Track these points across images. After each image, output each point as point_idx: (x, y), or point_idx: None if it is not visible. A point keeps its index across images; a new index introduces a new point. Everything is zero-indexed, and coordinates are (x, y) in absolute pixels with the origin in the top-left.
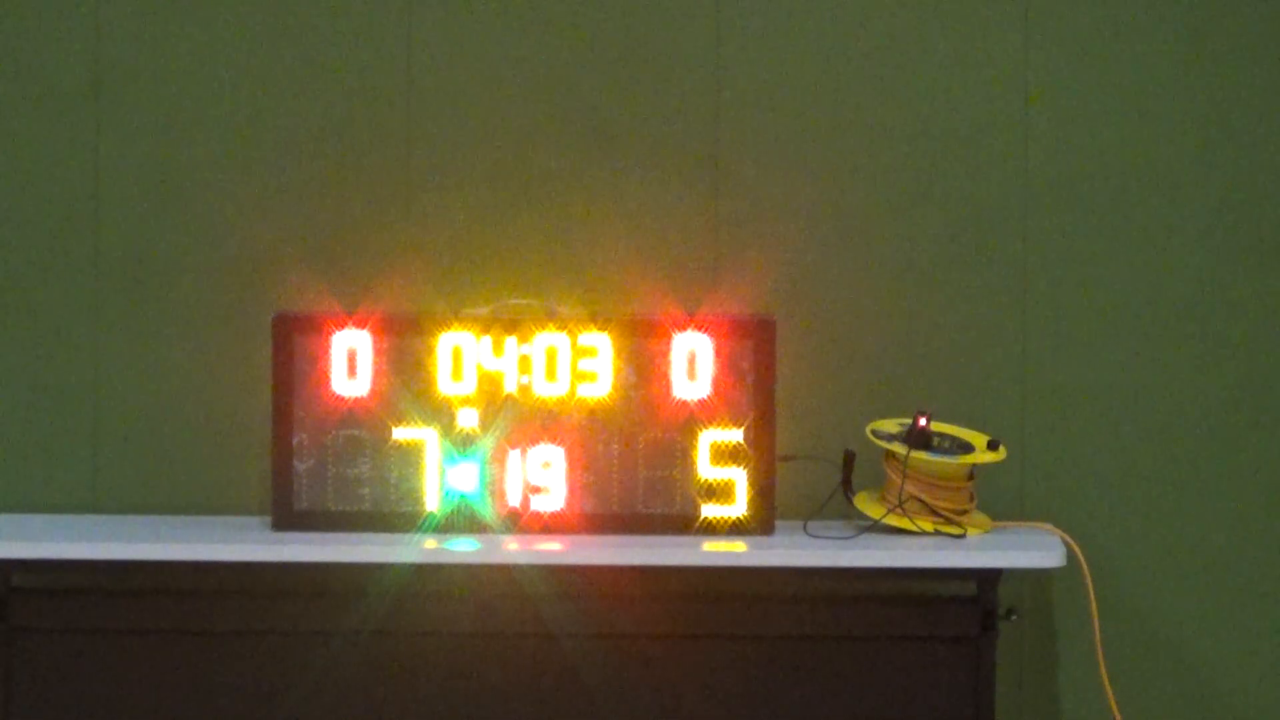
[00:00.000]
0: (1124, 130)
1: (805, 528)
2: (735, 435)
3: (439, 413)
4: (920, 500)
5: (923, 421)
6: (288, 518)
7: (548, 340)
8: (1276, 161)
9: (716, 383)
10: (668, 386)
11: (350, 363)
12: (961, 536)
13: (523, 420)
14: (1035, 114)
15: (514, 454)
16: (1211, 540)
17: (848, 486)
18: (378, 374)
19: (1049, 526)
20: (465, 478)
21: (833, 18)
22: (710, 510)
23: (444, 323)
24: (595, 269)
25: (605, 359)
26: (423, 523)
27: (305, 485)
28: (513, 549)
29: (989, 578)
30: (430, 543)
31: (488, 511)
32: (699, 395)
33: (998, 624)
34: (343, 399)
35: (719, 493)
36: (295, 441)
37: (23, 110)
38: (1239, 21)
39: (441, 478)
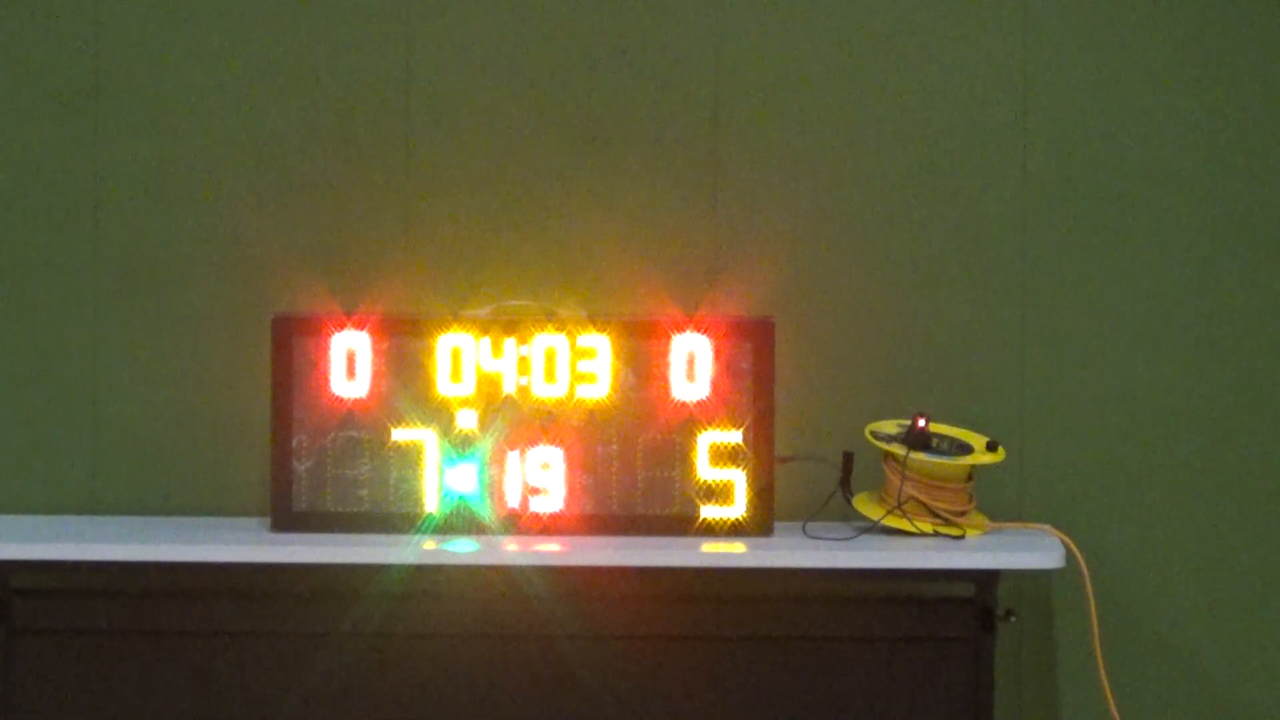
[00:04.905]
0: (1124, 130)
1: (804, 529)
2: (734, 436)
3: (438, 414)
4: (919, 501)
5: (922, 422)
6: (287, 519)
7: (546, 342)
8: (1276, 161)
9: (715, 384)
10: (667, 388)
11: (349, 364)
12: (960, 537)
13: (522, 421)
14: (1035, 114)
15: (513, 455)
16: (1210, 541)
17: (847, 487)
18: (377, 375)
19: (1048, 527)
20: (464, 479)
21: (832, 18)
22: (709, 511)
23: (443, 324)
24: (594, 270)
25: (604, 360)
26: (422, 524)
27: (304, 486)
28: (512, 550)
29: (988, 579)
30: (429, 544)
31: (487, 513)
32: (698, 396)
33: (996, 625)
34: (342, 400)
35: (718, 494)
36: (294, 443)
37: (23, 110)
38: (1239, 22)
39: (440, 479)
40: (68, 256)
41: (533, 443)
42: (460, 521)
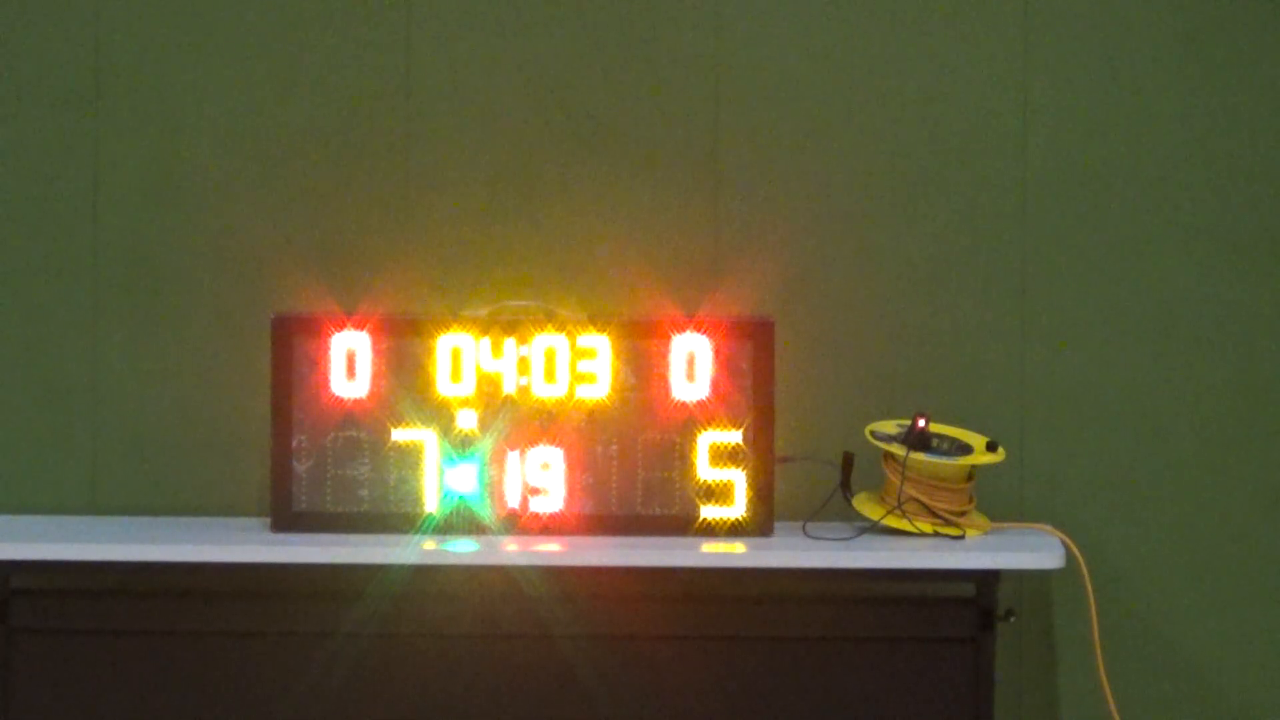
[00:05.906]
0: (1124, 130)
1: (804, 529)
2: (734, 436)
3: (438, 414)
4: (919, 501)
5: (922, 423)
6: (287, 519)
7: (546, 342)
8: (1276, 162)
9: (715, 384)
10: (667, 388)
11: (349, 364)
12: (960, 538)
13: (521, 422)
14: (1035, 114)
15: (513, 455)
16: (1210, 541)
17: (847, 488)
18: (377, 375)
19: (1048, 528)
20: (464, 479)
21: (832, 18)
22: (709, 511)
23: (443, 324)
24: (594, 270)
25: (604, 360)
26: (422, 524)
27: (304, 486)
28: (511, 550)
29: (988, 579)
30: (429, 544)
31: (487, 513)
32: (698, 396)
33: (996, 625)
34: (342, 400)
35: (718, 494)
36: (294, 443)
37: (23, 110)
38: (1238, 22)
39: (440, 479)
40: (68, 256)
41: (533, 443)
42: (460, 521)
